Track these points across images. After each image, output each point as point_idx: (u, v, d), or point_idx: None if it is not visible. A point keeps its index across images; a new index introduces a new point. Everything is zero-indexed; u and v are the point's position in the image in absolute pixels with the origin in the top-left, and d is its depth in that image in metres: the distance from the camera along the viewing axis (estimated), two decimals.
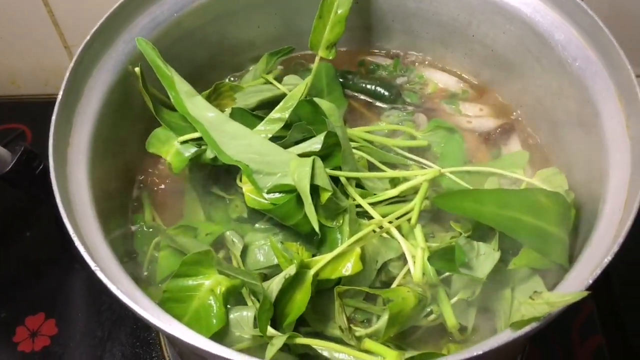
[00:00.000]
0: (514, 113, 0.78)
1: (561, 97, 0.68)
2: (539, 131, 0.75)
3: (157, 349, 0.83)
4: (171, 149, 0.68)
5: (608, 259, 0.50)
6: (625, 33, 0.92)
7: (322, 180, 0.60)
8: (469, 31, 0.77)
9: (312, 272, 0.58)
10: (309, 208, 0.59)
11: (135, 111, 0.71)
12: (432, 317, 0.60)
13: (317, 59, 0.75)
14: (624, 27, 0.93)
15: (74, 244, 0.53)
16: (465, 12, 0.75)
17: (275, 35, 0.83)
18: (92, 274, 0.85)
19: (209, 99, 0.72)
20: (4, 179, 0.82)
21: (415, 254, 0.59)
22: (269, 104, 0.72)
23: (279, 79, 0.78)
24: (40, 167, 0.85)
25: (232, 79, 0.83)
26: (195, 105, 0.68)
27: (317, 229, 0.59)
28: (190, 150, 0.67)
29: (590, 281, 0.49)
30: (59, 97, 0.61)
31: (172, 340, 0.76)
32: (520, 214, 0.57)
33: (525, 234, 0.57)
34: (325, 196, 0.60)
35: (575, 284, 0.51)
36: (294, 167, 0.61)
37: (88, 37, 0.65)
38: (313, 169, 0.60)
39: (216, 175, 0.71)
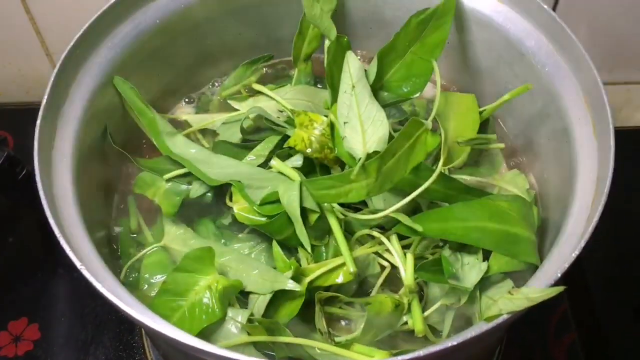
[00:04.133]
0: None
1: (532, 102, 0.71)
2: (511, 134, 0.78)
3: (140, 352, 0.84)
4: (158, 190, 0.69)
5: (575, 253, 0.52)
6: (597, 41, 0.96)
7: (310, 203, 0.63)
8: None
9: (307, 279, 0.61)
10: (300, 229, 0.62)
11: (118, 116, 0.72)
12: (409, 325, 0.62)
13: (296, 71, 0.79)
14: (595, 36, 0.97)
15: (58, 247, 0.54)
16: None
17: (256, 42, 0.84)
18: (75, 278, 0.87)
19: None
20: None
21: (404, 262, 0.61)
22: (254, 130, 0.74)
23: (263, 81, 0.81)
24: (23, 173, 0.86)
25: (215, 83, 0.85)
26: (177, 144, 0.70)
27: (309, 249, 0.62)
28: (180, 190, 0.69)
29: (559, 274, 0.51)
30: (44, 100, 0.62)
31: (156, 340, 0.77)
32: (484, 222, 0.59)
33: (492, 241, 0.59)
34: (313, 217, 0.63)
35: (545, 279, 0.53)
36: (283, 192, 0.63)
37: (72, 43, 0.66)
38: (300, 192, 0.62)
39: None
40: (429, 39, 0.69)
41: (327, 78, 0.68)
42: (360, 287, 0.66)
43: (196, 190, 0.68)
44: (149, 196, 0.69)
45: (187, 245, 0.68)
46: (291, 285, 0.60)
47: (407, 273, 0.60)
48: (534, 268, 0.59)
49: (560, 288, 0.50)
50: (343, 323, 0.65)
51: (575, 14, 0.95)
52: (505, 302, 0.51)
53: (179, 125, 0.79)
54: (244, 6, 0.79)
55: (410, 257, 0.61)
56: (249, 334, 0.58)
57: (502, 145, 0.74)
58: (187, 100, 0.84)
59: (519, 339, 0.85)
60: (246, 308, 0.62)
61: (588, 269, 0.91)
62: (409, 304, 0.61)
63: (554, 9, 0.94)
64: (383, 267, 0.65)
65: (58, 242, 0.54)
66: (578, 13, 0.95)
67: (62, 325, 0.87)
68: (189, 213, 0.71)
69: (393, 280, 0.66)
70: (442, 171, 0.62)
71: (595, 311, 0.89)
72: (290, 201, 0.62)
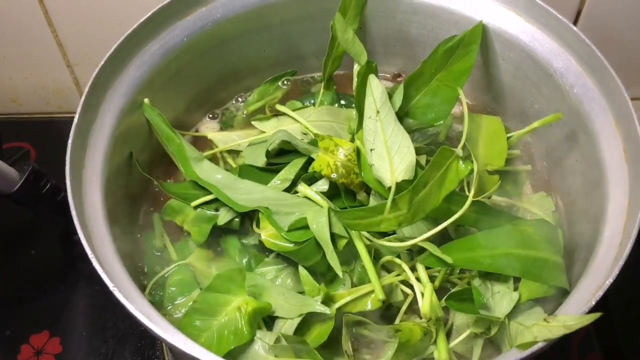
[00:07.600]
0: None
1: (560, 123, 0.70)
2: (538, 156, 0.77)
3: None
4: (187, 217, 0.70)
5: (610, 280, 0.52)
6: (616, 56, 0.95)
7: (339, 228, 0.63)
8: None
9: (336, 305, 0.61)
10: (332, 255, 0.62)
11: (145, 133, 0.73)
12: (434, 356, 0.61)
13: (321, 91, 0.80)
14: (615, 51, 0.97)
15: (79, 261, 0.54)
16: None
17: (280, 58, 0.85)
18: (97, 292, 0.87)
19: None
20: (11, 198, 0.83)
21: (423, 290, 0.61)
22: (279, 152, 0.73)
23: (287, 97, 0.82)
24: (47, 187, 0.86)
25: (239, 99, 0.85)
26: (204, 169, 0.71)
27: (340, 275, 0.62)
28: (208, 217, 0.69)
29: (593, 302, 0.51)
30: (75, 120, 0.62)
31: (180, 358, 0.77)
32: (511, 249, 0.60)
33: (520, 267, 0.59)
34: (342, 243, 0.63)
35: (577, 306, 0.53)
36: (312, 218, 0.63)
37: (102, 62, 0.66)
38: (329, 218, 0.63)
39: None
40: (455, 67, 0.70)
41: (355, 102, 0.69)
42: (385, 311, 0.66)
43: (224, 216, 0.68)
44: (178, 222, 0.70)
45: (213, 265, 0.68)
46: (320, 307, 0.59)
47: (424, 303, 0.59)
48: (561, 292, 0.59)
49: (597, 315, 0.50)
50: (364, 348, 0.65)
51: (593, 32, 0.95)
52: (541, 330, 0.51)
53: (203, 142, 0.79)
54: (268, 24, 0.80)
55: (429, 287, 0.60)
56: (276, 356, 0.58)
57: (528, 167, 0.74)
58: (211, 115, 0.84)
59: (540, 358, 0.84)
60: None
61: (610, 288, 0.90)
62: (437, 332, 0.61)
63: None
64: (406, 294, 0.65)
65: (80, 256, 0.54)
66: (597, 30, 0.95)
67: (83, 339, 0.87)
68: (216, 231, 0.70)
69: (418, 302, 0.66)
70: None
71: (617, 331, 0.88)
72: (320, 227, 0.62)
